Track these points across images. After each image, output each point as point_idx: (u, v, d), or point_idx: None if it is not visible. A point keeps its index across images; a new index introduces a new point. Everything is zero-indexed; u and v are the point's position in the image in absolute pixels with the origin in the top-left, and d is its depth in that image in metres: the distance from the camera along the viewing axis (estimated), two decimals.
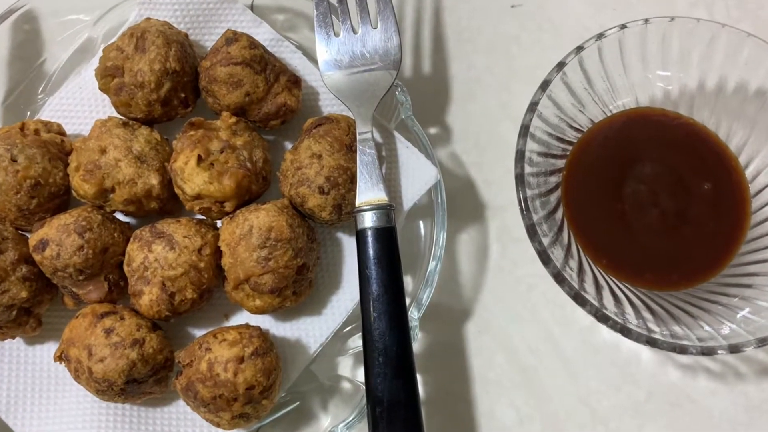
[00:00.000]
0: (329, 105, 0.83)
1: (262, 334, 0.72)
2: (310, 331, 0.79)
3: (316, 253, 0.77)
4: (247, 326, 0.74)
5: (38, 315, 0.75)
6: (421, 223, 0.82)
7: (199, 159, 0.73)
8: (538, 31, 0.91)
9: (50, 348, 0.79)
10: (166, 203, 0.78)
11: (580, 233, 0.76)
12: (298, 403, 0.79)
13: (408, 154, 0.78)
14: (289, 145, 0.84)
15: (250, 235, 0.72)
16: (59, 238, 0.71)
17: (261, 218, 0.72)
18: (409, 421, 0.69)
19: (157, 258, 0.72)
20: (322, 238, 0.81)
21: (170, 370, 0.74)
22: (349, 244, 0.81)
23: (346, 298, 0.79)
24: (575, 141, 0.79)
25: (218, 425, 0.71)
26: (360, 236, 0.72)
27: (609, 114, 0.80)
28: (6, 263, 0.71)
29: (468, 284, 0.84)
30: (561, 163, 0.77)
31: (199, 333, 0.80)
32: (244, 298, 0.74)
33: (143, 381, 0.71)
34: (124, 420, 0.75)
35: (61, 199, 0.77)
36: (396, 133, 0.79)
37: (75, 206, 0.76)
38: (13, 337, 0.76)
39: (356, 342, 0.81)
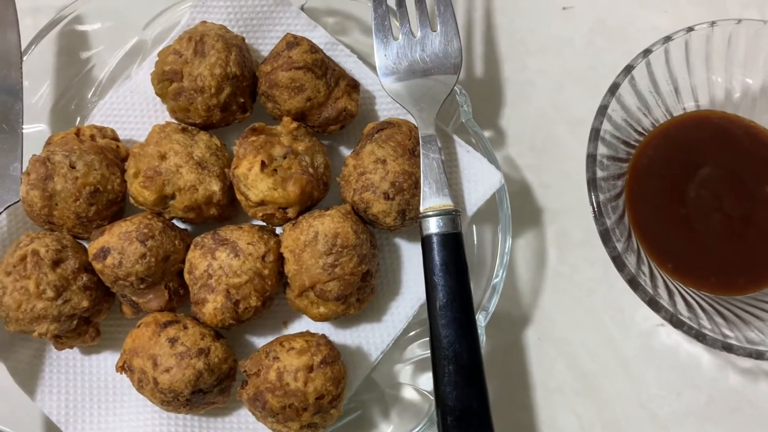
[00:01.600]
0: (386, 110, 0.82)
1: (329, 342, 0.71)
2: (370, 339, 0.78)
3: (377, 260, 0.76)
4: (311, 334, 0.72)
5: (97, 324, 0.74)
6: (474, 227, 0.81)
7: (263, 165, 0.72)
8: (590, 33, 0.90)
9: (107, 358, 0.77)
10: (225, 210, 0.77)
11: (645, 238, 0.76)
12: (359, 412, 0.77)
13: (469, 159, 0.77)
14: (345, 151, 0.83)
15: (315, 241, 0.71)
16: (121, 246, 0.70)
17: (326, 224, 0.71)
18: (482, 430, 0.68)
19: (222, 265, 0.70)
20: (380, 243, 0.79)
21: (233, 380, 0.73)
22: (407, 250, 0.80)
23: (405, 304, 0.78)
24: (637, 145, 0.78)
25: None
26: (426, 242, 0.71)
27: (670, 117, 0.79)
28: (67, 272, 0.70)
29: (526, 290, 0.83)
30: (626, 167, 0.76)
31: (257, 341, 0.78)
32: (308, 306, 0.73)
33: (208, 391, 0.70)
34: (186, 431, 0.73)
35: (118, 206, 0.76)
36: (456, 137, 0.78)
37: (131, 214, 0.75)
38: (72, 347, 0.74)
39: (415, 351, 0.80)
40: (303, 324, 0.79)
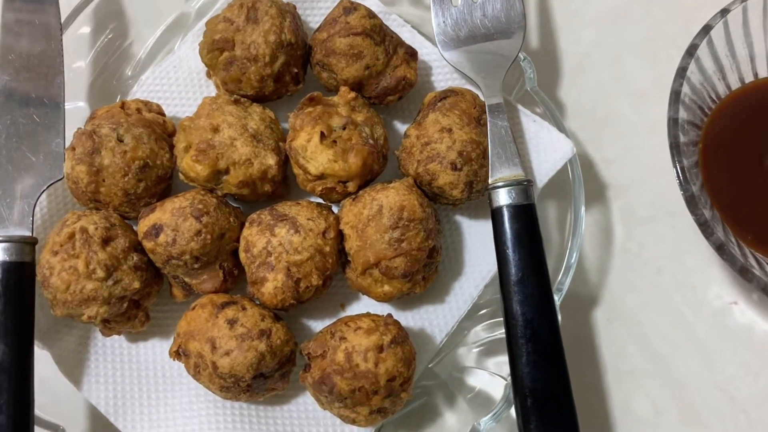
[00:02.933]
0: (443, 80, 0.78)
1: (397, 322, 0.67)
2: (434, 321, 0.73)
3: (441, 237, 0.72)
4: (376, 315, 0.68)
5: (146, 308, 0.69)
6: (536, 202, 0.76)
7: (322, 136, 0.68)
8: (648, 4, 0.87)
9: (155, 345, 0.73)
10: (278, 187, 0.73)
11: (723, 209, 0.72)
12: (424, 398, 0.73)
13: (537, 128, 0.73)
14: (399, 126, 0.79)
15: (380, 215, 0.66)
16: (175, 223, 0.66)
17: (391, 197, 0.67)
18: (564, 413, 0.63)
19: (282, 242, 0.66)
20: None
21: (294, 364, 0.68)
22: (468, 228, 0.76)
23: (469, 285, 0.74)
24: (709, 112, 0.74)
25: (353, 422, 0.65)
26: (496, 215, 0.67)
27: (743, 84, 0.75)
28: (117, 251, 0.66)
29: (593, 269, 0.79)
30: (700, 134, 0.73)
31: (315, 325, 0.74)
32: (372, 284, 0.69)
33: (269, 376, 0.66)
34: (243, 420, 0.69)
35: (167, 183, 0.72)
36: (520, 107, 0.74)
37: (178, 193, 0.70)
38: (120, 333, 0.70)
39: (480, 334, 0.75)
40: (362, 306, 0.74)
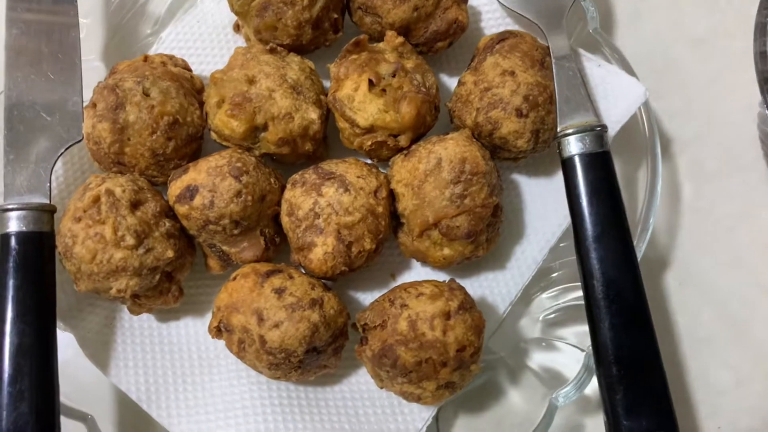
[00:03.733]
0: (494, 26, 0.72)
1: (461, 286, 0.60)
2: (495, 289, 0.67)
3: (502, 194, 0.65)
4: (436, 281, 0.61)
5: (179, 281, 0.62)
6: None
7: (371, 84, 0.61)
8: None
9: (188, 324, 0.66)
10: (318, 147, 0.66)
11: None
12: (489, 373, 0.66)
13: (602, 73, 0.67)
14: (446, 78, 0.73)
15: (438, 169, 0.60)
16: (212, 183, 0.58)
17: (450, 149, 0.60)
18: (654, 381, 0.57)
19: (330, 202, 0.59)
20: None
21: (347, 338, 0.61)
22: (528, 187, 0.69)
23: (532, 248, 0.67)
24: None
25: (418, 399, 0.58)
26: (568, 166, 0.61)
27: None
28: (148, 216, 0.58)
29: (662, 229, 0.73)
30: None
31: (364, 298, 0.67)
32: (430, 248, 0.62)
33: (322, 350, 0.59)
34: (292, 403, 0.62)
35: (197, 144, 0.64)
36: (582, 51, 0.68)
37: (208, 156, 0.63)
38: (150, 310, 0.63)
39: (544, 303, 0.69)
40: (413, 276, 0.68)
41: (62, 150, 0.61)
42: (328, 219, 0.59)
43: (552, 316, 0.67)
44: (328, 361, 0.60)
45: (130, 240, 0.56)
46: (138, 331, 0.64)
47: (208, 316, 0.65)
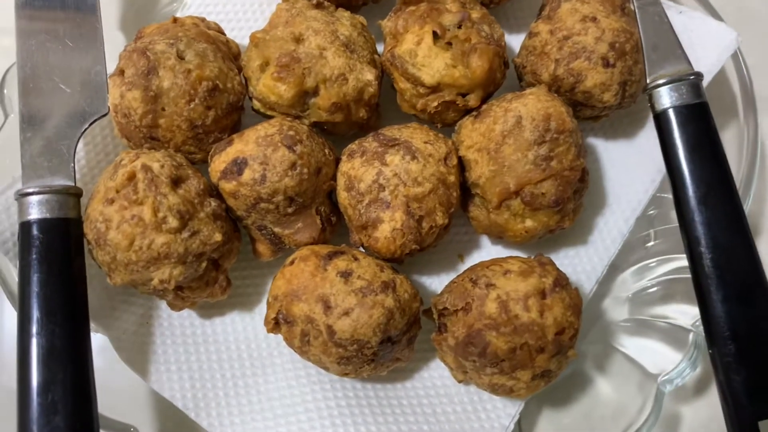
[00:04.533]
0: None
1: (552, 261, 0.52)
2: (578, 266, 0.59)
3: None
4: (521, 257, 0.54)
5: (226, 270, 0.54)
6: None
7: (435, 36, 0.54)
8: None
9: (235, 320, 0.58)
10: (372, 114, 0.58)
11: None
12: (575, 361, 0.58)
13: (686, 20, 0.60)
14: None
15: (519, 128, 0.52)
16: (263, 155, 0.51)
17: (531, 105, 0.53)
18: None
19: (397, 172, 0.52)
20: None
21: (420, 327, 0.54)
22: (607, 151, 0.62)
23: (616, 220, 0.60)
24: None
25: (510, 391, 0.51)
26: (662, 120, 0.53)
27: None
28: (191, 194, 0.51)
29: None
30: None
31: (430, 282, 0.60)
32: (509, 220, 0.54)
33: (396, 340, 0.51)
34: (360, 403, 0.54)
35: (238, 115, 0.57)
36: None
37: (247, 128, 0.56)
38: (193, 305, 0.55)
39: (629, 283, 0.61)
40: (483, 256, 0.60)
41: (86, 126, 0.54)
42: (394, 191, 0.52)
43: (642, 293, 0.60)
44: (402, 353, 0.53)
45: (172, 222, 0.49)
46: (179, 330, 0.56)
47: (258, 310, 0.58)
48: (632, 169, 0.60)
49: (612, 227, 0.60)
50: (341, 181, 0.54)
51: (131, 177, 0.49)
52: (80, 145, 0.58)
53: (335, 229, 0.57)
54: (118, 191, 0.50)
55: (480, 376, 0.51)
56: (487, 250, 0.60)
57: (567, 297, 0.50)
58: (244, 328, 0.57)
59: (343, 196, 0.54)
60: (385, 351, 0.51)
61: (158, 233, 0.49)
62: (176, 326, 0.56)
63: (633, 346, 0.59)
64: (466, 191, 0.56)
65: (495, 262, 0.52)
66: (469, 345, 0.49)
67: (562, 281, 0.50)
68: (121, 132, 0.55)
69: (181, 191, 0.50)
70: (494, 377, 0.50)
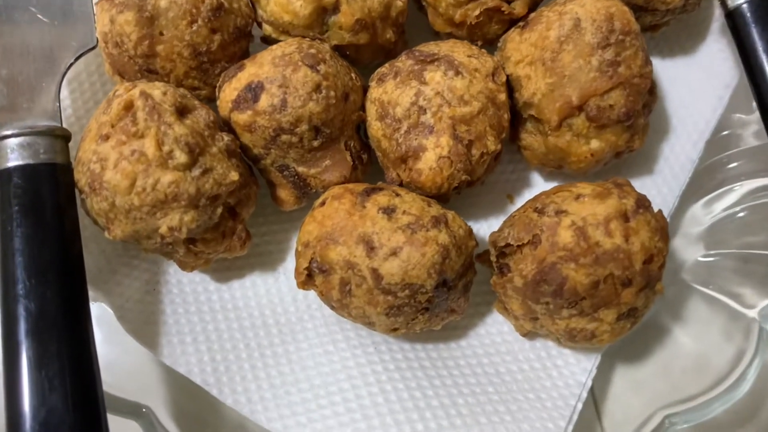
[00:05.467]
0: None
1: (629, 182, 0.45)
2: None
3: None
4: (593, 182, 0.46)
5: (244, 220, 0.46)
6: None
7: None
8: None
9: (256, 282, 0.50)
10: (399, 38, 0.51)
11: None
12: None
13: None
14: None
15: (578, 32, 0.45)
16: (281, 77, 0.43)
17: (589, 5, 0.46)
18: None
19: (439, 90, 0.44)
20: None
21: (475, 273, 0.46)
22: (666, 68, 0.56)
23: (683, 144, 0.53)
24: None
25: (591, 337, 0.43)
26: (736, 18, 0.48)
27: None
28: (200, 125, 0.43)
29: None
30: None
31: (478, 228, 0.52)
32: (572, 143, 0.47)
33: (452, 286, 0.43)
34: (412, 366, 0.46)
35: (246, 42, 0.49)
36: None
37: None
38: (207, 263, 0.47)
39: (699, 216, 0.54)
40: (536, 194, 0.52)
41: (71, 60, 0.46)
42: (437, 113, 0.44)
43: (719, 224, 0.52)
44: (457, 302, 0.45)
45: (180, 157, 0.41)
46: (192, 297, 0.48)
47: (282, 269, 0.50)
48: (695, 88, 0.53)
49: (679, 153, 0.52)
50: (372, 110, 0.47)
51: (128, 107, 0.41)
52: (65, 92, 0.50)
53: (367, 169, 0.49)
54: (113, 125, 0.42)
55: (554, 322, 0.43)
56: (540, 188, 0.52)
57: (652, 219, 0.42)
58: (267, 291, 0.49)
59: (375, 127, 0.46)
60: (440, 298, 0.43)
61: (164, 170, 0.41)
62: (188, 293, 0.48)
63: (715, 286, 0.51)
64: (514, 118, 0.49)
65: (561, 188, 0.44)
66: (541, 283, 0.41)
67: (644, 202, 0.43)
68: (112, 67, 0.47)
69: (188, 122, 0.42)
70: (572, 321, 0.42)
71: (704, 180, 0.53)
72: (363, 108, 0.48)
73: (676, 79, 0.54)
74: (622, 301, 0.41)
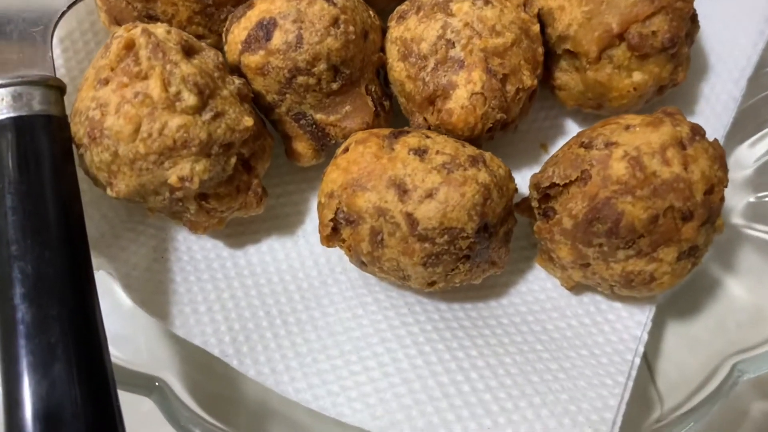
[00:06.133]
0: None
1: (680, 110, 0.41)
2: None
3: None
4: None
5: (259, 176, 0.42)
6: None
7: None
8: None
9: (273, 245, 0.46)
10: None
11: None
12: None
13: None
14: None
15: None
16: (296, 11, 0.39)
17: None
18: None
19: (468, 21, 0.41)
20: None
21: (515, 221, 0.42)
22: (700, 4, 0.51)
23: (725, 82, 0.49)
24: None
25: (650, 280, 0.39)
26: None
27: None
28: (209, 66, 0.39)
29: None
30: None
31: None
32: (613, 76, 0.43)
33: (494, 232, 0.39)
34: (451, 326, 0.42)
35: None
36: None
37: None
38: (221, 223, 0.42)
39: (744, 157, 0.50)
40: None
41: (63, 8, 0.42)
42: (468, 45, 0.40)
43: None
44: (498, 252, 0.40)
45: (189, 98, 0.37)
46: (204, 264, 0.44)
47: (301, 233, 0.46)
48: (734, 23, 0.50)
49: (720, 93, 0.49)
50: (393, 51, 0.43)
51: (130, 46, 0.37)
52: (57, 51, 0.46)
53: (389, 118, 0.45)
54: (113, 68, 0.38)
55: (609, 266, 0.39)
56: (575, 132, 0.48)
57: (710, 147, 0.38)
58: (287, 256, 0.45)
59: (398, 68, 0.43)
60: (481, 245, 0.39)
61: (172, 113, 0.37)
62: (199, 260, 0.44)
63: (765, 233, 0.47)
64: (546, 57, 0.45)
65: (607, 122, 0.41)
66: (593, 222, 0.37)
67: (700, 130, 0.39)
68: (108, 15, 0.43)
69: (195, 61, 0.38)
70: (629, 263, 0.38)
71: (749, 120, 0.49)
72: (383, 50, 0.44)
73: (713, 16, 0.50)
74: (683, 237, 0.37)
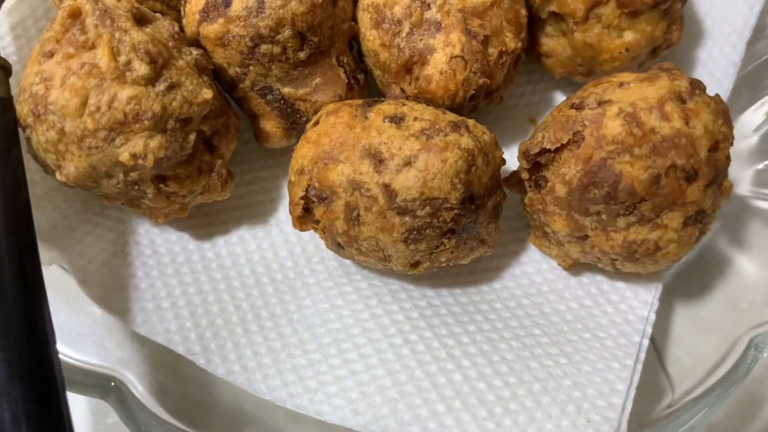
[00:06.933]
0: None
1: (677, 67, 0.38)
2: None
3: None
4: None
5: (224, 156, 0.39)
6: None
7: None
8: None
9: (244, 236, 0.42)
10: None
11: None
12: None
13: None
14: None
15: None
16: None
17: None
18: None
19: None
20: None
21: (504, 195, 0.38)
22: None
23: (722, 47, 0.47)
24: None
25: (654, 249, 0.36)
26: None
27: None
28: (163, 35, 0.35)
29: None
30: None
31: None
32: (603, 36, 0.40)
33: (481, 204, 0.36)
34: (440, 313, 0.38)
35: None
36: None
37: None
38: (183, 209, 0.39)
39: (748, 123, 0.47)
40: None
41: None
42: (444, 5, 0.37)
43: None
44: (487, 228, 0.37)
45: (140, 67, 0.33)
46: (168, 257, 0.40)
47: (274, 221, 0.43)
48: None
49: (718, 58, 0.46)
50: (365, 19, 0.40)
51: (75, 14, 0.34)
52: (7, 39, 0.42)
53: (364, 93, 0.42)
54: (58, 40, 0.34)
55: (608, 237, 0.36)
56: None
57: (711, 102, 0.35)
58: (259, 246, 0.41)
59: (371, 37, 0.39)
60: (468, 219, 0.35)
61: (121, 84, 0.33)
62: (163, 253, 0.40)
63: None
64: (530, 24, 0.42)
65: (599, 81, 0.37)
66: (589, 187, 0.34)
67: (699, 84, 0.36)
68: None
69: (148, 30, 0.35)
70: (631, 231, 0.35)
71: (750, 86, 0.46)
72: (355, 19, 0.41)
73: None
74: (688, 199, 0.34)
